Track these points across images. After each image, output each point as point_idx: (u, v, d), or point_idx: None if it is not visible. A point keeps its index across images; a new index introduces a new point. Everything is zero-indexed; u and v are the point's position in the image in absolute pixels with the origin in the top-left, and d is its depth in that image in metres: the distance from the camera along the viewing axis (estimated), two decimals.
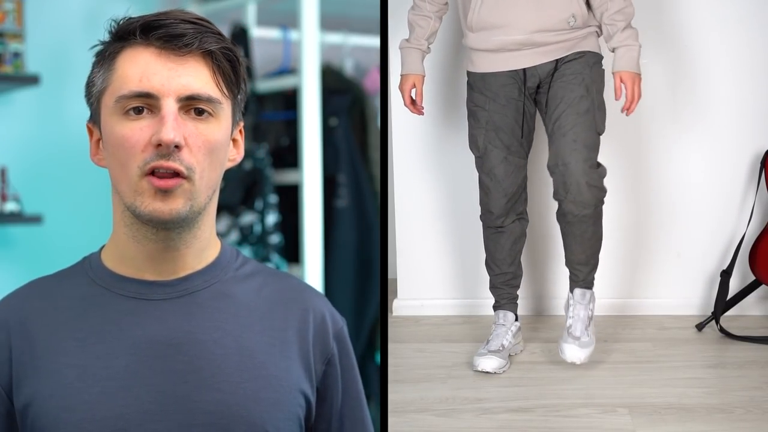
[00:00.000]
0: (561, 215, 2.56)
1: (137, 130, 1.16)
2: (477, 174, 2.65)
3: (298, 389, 1.25)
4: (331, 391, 1.30)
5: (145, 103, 1.17)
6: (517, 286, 2.76)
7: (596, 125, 2.49)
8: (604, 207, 2.56)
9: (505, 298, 2.74)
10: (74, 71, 3.09)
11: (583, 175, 2.46)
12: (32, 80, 2.90)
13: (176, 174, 1.16)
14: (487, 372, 2.61)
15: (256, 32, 3.21)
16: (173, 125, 1.15)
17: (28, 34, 2.97)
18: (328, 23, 3.19)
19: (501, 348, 2.65)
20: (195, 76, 1.18)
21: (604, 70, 2.56)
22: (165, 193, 1.16)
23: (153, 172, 1.16)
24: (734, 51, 3.04)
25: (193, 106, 1.18)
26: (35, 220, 2.92)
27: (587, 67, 2.51)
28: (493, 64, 2.57)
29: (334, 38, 3.31)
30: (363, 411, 1.35)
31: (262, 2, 3.22)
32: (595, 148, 2.49)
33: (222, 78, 1.21)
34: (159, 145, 1.15)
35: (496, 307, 2.76)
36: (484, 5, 2.51)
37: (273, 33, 3.24)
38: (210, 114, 1.19)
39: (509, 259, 2.71)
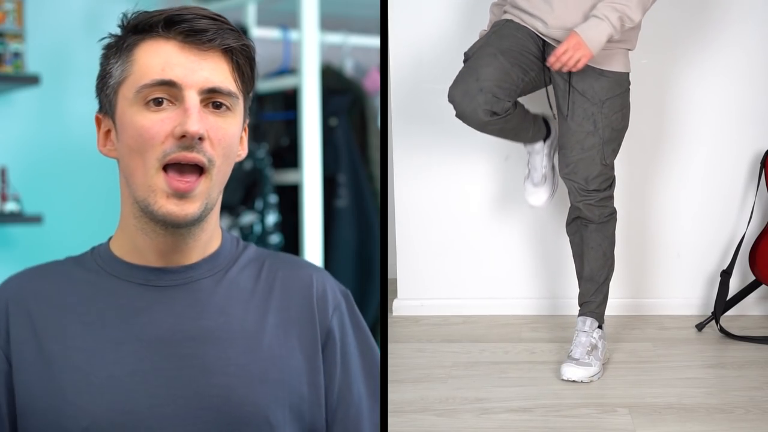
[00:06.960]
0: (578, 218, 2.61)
1: (158, 122, 1.18)
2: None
3: (303, 367, 1.26)
4: (329, 365, 1.30)
5: (166, 94, 1.18)
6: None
7: (603, 157, 2.50)
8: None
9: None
10: (74, 71, 3.10)
11: (582, 201, 2.54)
12: (32, 80, 2.90)
13: (196, 168, 1.18)
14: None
15: (256, 32, 3.21)
16: (198, 117, 1.17)
17: (28, 34, 2.97)
18: (328, 23, 3.19)
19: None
20: (215, 70, 1.20)
21: (627, 91, 2.49)
22: (181, 196, 1.18)
23: (169, 167, 1.17)
24: (734, 51, 3.04)
25: (212, 99, 1.20)
26: (35, 220, 2.92)
27: (603, 97, 2.44)
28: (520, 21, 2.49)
29: (334, 38, 3.31)
30: (363, 387, 1.33)
31: (262, 2, 3.22)
32: (597, 177, 2.51)
33: (239, 74, 1.23)
34: (183, 136, 1.17)
35: None
36: None
37: (273, 33, 3.24)
38: (228, 108, 1.21)
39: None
